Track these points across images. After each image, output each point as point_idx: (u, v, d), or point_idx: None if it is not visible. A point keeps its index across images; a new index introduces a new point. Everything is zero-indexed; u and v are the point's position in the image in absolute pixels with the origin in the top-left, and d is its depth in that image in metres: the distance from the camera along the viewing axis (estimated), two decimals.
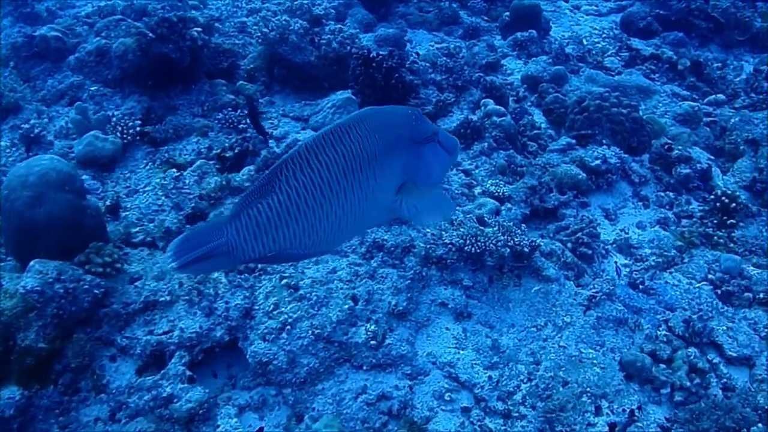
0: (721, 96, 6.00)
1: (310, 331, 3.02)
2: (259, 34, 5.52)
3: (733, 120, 5.33)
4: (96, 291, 3.07)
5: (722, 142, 5.41)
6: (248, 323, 3.08)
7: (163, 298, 3.19)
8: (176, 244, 1.84)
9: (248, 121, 4.76)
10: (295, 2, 6.56)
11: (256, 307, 3.13)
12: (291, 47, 5.45)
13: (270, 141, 4.83)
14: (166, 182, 3.90)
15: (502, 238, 3.29)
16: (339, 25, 5.97)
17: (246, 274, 3.25)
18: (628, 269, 4.06)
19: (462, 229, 3.37)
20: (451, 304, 3.30)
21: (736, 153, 5.23)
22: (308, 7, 6.45)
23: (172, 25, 5.13)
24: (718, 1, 6.90)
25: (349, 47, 5.48)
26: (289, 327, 3.02)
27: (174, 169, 4.11)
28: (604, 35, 6.92)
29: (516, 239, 3.32)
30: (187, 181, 3.90)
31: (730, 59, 6.92)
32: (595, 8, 7.72)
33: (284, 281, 3.19)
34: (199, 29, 5.29)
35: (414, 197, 2.05)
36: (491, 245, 3.27)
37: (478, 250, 3.26)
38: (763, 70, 6.46)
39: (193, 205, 3.76)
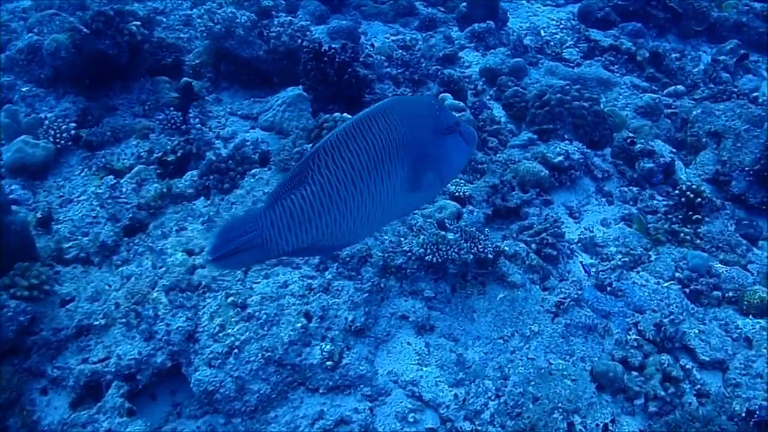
0: (680, 87, 5.91)
1: (259, 354, 2.77)
2: (204, 27, 5.21)
3: (694, 112, 5.23)
4: (22, 318, 2.79)
5: (684, 135, 5.32)
6: (192, 347, 2.82)
7: (97, 322, 2.91)
8: (214, 236, 1.80)
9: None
10: None
11: (200, 330, 2.86)
12: (238, 41, 5.16)
13: (217, 141, 4.55)
14: (101, 191, 3.60)
15: (465, 245, 3.09)
16: (289, 17, 5.69)
17: (188, 293, 2.98)
18: (594, 269, 3.92)
19: (422, 236, 3.16)
20: (412, 317, 3.09)
21: (698, 145, 5.13)
22: None
23: (109, 19, 4.80)
24: None
25: (299, 40, 5.21)
26: (236, 350, 2.77)
27: (111, 176, 3.81)
28: (561, 26, 6.77)
29: (479, 246, 3.13)
30: (124, 190, 3.60)
31: (688, 49, 6.84)
32: None
33: (230, 299, 2.92)
34: (138, 23, 4.96)
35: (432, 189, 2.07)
36: (453, 254, 3.06)
37: (440, 260, 3.05)
38: (721, 60, 6.39)
39: (130, 215, 3.47)
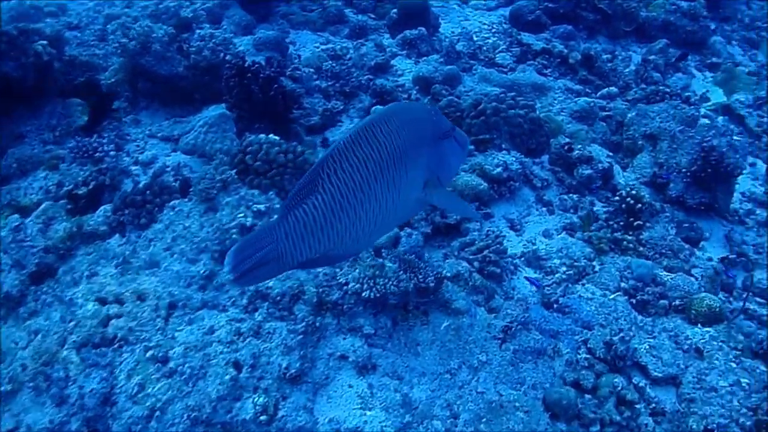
0: (613, 89, 5.87)
1: (185, 415, 2.50)
2: (117, 44, 4.88)
3: (629, 115, 5.19)
4: None
5: (619, 137, 5.27)
6: (109, 411, 2.53)
7: (3, 388, 2.60)
8: (232, 255, 1.81)
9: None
10: (161, 5, 5.95)
11: (117, 390, 2.57)
12: (155, 57, 4.84)
13: (135, 168, 4.24)
14: (3, 234, 3.25)
15: (404, 276, 2.89)
16: (210, 30, 5.40)
17: (103, 348, 2.69)
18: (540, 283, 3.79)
19: (358, 268, 2.94)
20: (352, 357, 2.87)
21: (634, 148, 5.08)
22: (175, 11, 5.85)
23: (12, 39, 4.44)
24: None
25: (222, 54, 4.93)
26: (158, 413, 2.49)
27: (17, 215, 3.46)
28: (493, 30, 6.67)
29: (420, 276, 2.93)
30: (29, 231, 3.27)
31: (618, 50, 6.84)
32: (483, 2, 7.46)
33: (150, 353, 2.64)
34: (45, 42, 4.60)
35: (440, 194, 2.11)
36: (392, 287, 2.86)
37: (378, 295, 2.84)
38: (652, 60, 6.40)
39: (37, 260, 3.14)
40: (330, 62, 5.45)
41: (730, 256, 4.41)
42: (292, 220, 1.82)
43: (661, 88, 5.84)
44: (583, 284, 3.84)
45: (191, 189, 3.37)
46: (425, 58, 5.97)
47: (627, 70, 6.36)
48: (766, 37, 7.71)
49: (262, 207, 3.08)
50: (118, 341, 2.72)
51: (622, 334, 3.27)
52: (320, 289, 2.97)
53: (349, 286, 2.89)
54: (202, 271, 3.02)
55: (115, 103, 4.84)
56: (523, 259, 4.00)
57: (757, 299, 4.08)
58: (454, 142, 2.11)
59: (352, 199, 1.86)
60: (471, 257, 3.72)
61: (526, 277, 3.82)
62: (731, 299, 4.06)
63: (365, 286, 2.84)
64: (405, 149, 1.94)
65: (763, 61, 7.33)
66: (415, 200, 2.06)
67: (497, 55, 6.22)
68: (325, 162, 1.85)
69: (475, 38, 6.46)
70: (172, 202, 3.39)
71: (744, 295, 3.94)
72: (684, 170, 4.74)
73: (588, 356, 3.27)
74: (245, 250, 1.82)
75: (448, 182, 2.19)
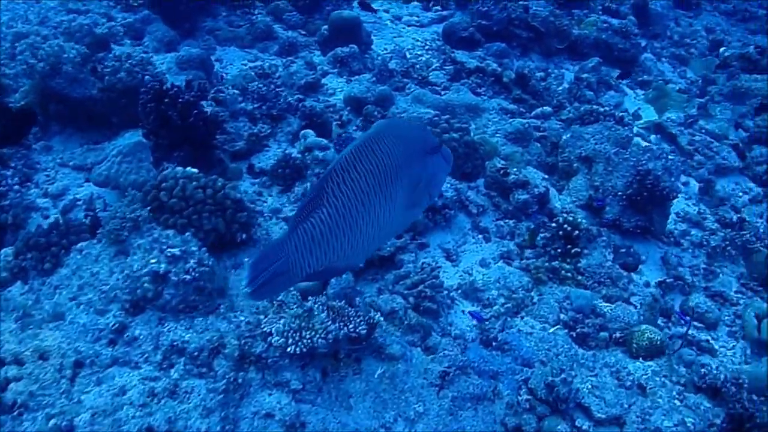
0: (547, 108, 5.81)
1: None
2: (25, 65, 4.52)
3: (564, 137, 5.12)
4: None
5: (554, 159, 5.20)
6: None
7: None
8: (249, 268, 1.87)
9: None
10: (74, 23, 5.59)
11: None
12: (66, 79, 4.51)
13: (44, 201, 3.91)
14: None
15: (333, 327, 2.68)
16: (126, 50, 5.08)
17: (1, 416, 2.39)
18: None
19: (283, 318, 2.71)
20: (279, 415, 2.62)
21: (570, 171, 5.02)
22: (89, 28, 5.51)
23: None
24: (538, 11, 6.76)
25: (140, 75, 4.63)
26: None
27: None
28: (427, 47, 6.55)
29: (350, 325, 2.73)
30: None
31: (552, 68, 6.82)
32: (417, 19, 7.34)
33: (52, 421, 2.35)
34: None
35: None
36: (320, 340, 2.64)
37: (305, 350, 2.61)
38: (584, 78, 6.40)
39: None
40: (257, 82, 5.20)
41: (668, 280, 4.37)
42: (301, 233, 1.88)
43: (594, 107, 5.82)
44: (522, 317, 3.72)
45: (99, 231, 3.08)
46: (357, 76, 5.79)
47: (560, 88, 6.33)
48: (695, 54, 7.86)
49: (176, 251, 2.81)
50: (17, 408, 2.42)
51: (563, 375, 3.14)
52: (242, 341, 2.73)
53: (274, 339, 2.65)
54: (111, 324, 2.74)
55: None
56: (459, 291, 3.85)
57: (696, 324, 4.05)
58: (440, 157, 2.17)
59: (354, 212, 1.92)
60: (406, 292, 3.55)
61: (469, 312, 3.67)
62: (670, 324, 4.02)
63: (291, 340, 2.61)
64: (399, 164, 2.00)
65: (693, 78, 7.45)
66: (408, 213, 2.13)
67: (431, 74, 6.10)
68: (329, 177, 1.91)
69: (408, 56, 6.33)
70: (79, 244, 3.09)
71: (687, 322, 3.89)
72: (620, 193, 4.69)
73: (529, 397, 3.13)
74: (261, 264, 1.87)
75: (436, 194, 2.29)
